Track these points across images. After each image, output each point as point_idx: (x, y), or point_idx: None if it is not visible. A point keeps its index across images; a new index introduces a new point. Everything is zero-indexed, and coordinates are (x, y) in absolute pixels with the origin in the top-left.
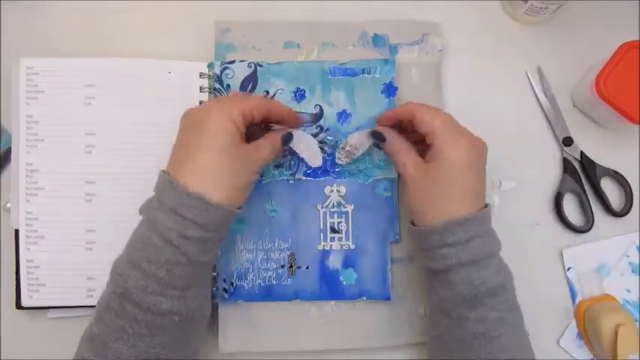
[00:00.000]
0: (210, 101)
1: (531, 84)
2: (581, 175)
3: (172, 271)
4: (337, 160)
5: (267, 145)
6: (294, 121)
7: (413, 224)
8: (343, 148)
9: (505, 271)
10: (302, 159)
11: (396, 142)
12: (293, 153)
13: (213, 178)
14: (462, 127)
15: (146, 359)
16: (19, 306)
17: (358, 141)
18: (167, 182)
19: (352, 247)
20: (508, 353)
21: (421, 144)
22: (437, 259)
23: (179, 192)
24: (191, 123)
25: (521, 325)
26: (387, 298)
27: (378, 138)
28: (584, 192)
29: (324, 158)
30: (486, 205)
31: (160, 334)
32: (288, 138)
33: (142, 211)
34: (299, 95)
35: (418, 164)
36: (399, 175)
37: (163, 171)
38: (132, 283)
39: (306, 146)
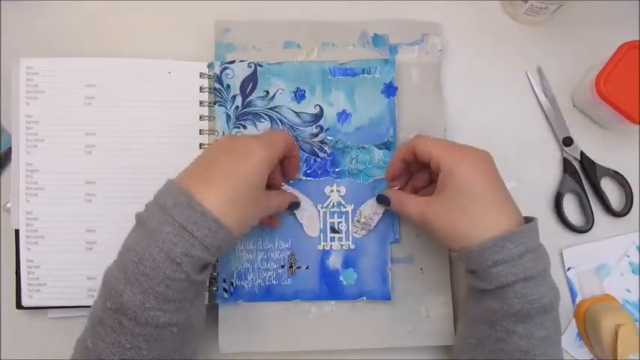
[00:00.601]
0: (258, 139)
1: (531, 84)
2: (581, 175)
3: (171, 286)
4: (354, 234)
5: (278, 201)
6: (294, 173)
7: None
8: (358, 221)
9: (556, 290)
10: (307, 155)
11: (397, 195)
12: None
13: (233, 208)
14: (460, 144)
15: None
16: (19, 306)
17: (372, 210)
18: (182, 196)
19: (352, 247)
20: None
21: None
22: (490, 279)
23: (194, 209)
24: (233, 150)
25: (560, 346)
26: (387, 298)
27: (383, 202)
28: (584, 192)
29: (324, 158)
30: (531, 220)
31: (158, 346)
32: (295, 206)
33: (140, 218)
34: (299, 95)
35: (426, 204)
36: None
37: (173, 181)
38: (128, 299)
39: (309, 217)
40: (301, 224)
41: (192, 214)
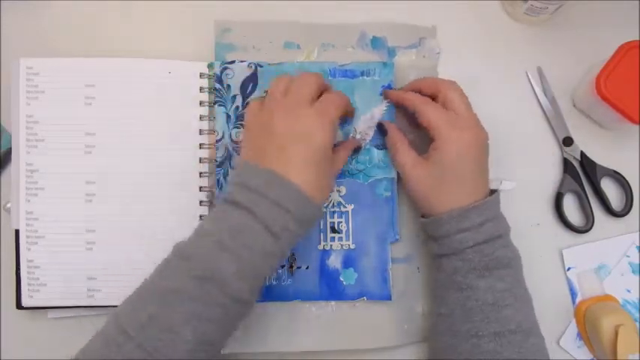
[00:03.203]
0: (316, 114)
1: (531, 84)
2: (581, 175)
3: (267, 261)
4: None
5: (344, 154)
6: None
7: (423, 217)
8: (354, 137)
9: (514, 251)
10: None
11: (396, 137)
12: None
13: (315, 180)
14: (461, 118)
15: (202, 341)
16: (19, 306)
17: (365, 125)
18: (267, 174)
19: (352, 246)
20: (515, 322)
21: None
22: (453, 244)
23: (284, 186)
24: (298, 132)
25: (527, 300)
26: (388, 298)
27: (381, 131)
28: (584, 192)
29: None
30: (494, 192)
31: (228, 321)
32: (358, 150)
33: (227, 199)
34: None
35: (415, 162)
36: (398, 175)
37: (247, 161)
38: (223, 266)
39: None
40: None
41: (283, 190)
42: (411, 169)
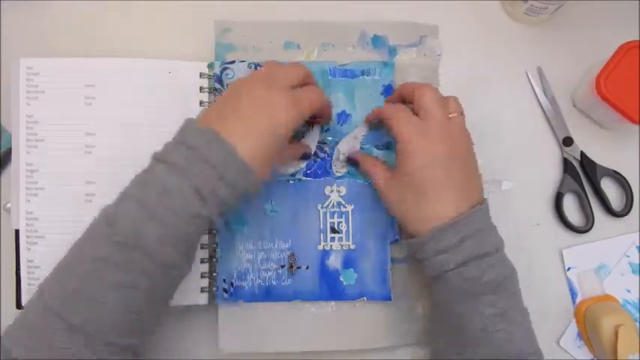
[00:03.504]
0: (290, 97)
1: (531, 84)
2: (581, 175)
3: (194, 224)
4: (335, 172)
5: (291, 153)
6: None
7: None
8: (338, 159)
9: (503, 268)
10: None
11: (368, 162)
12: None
13: (261, 154)
14: (433, 126)
15: (131, 311)
16: (19, 306)
17: (348, 146)
18: (211, 135)
19: (352, 247)
20: (513, 346)
21: None
22: (434, 267)
23: (226, 151)
24: (265, 102)
25: (525, 320)
26: (388, 298)
27: (353, 164)
28: (584, 192)
29: (324, 158)
30: (480, 203)
31: (160, 287)
32: (307, 157)
33: (162, 155)
34: None
35: (387, 176)
36: None
37: (196, 120)
38: (147, 233)
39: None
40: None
41: (224, 155)
42: (384, 184)
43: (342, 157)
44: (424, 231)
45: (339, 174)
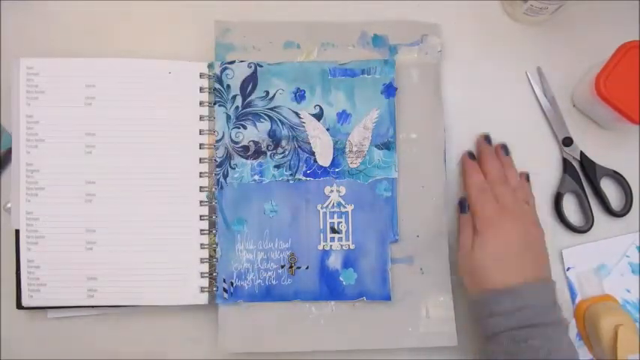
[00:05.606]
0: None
1: (531, 84)
2: (581, 175)
3: None
4: (351, 165)
5: None
6: None
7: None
8: (351, 151)
9: (557, 342)
10: (307, 155)
11: (463, 221)
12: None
13: None
14: (497, 208)
15: None
16: (19, 306)
17: (360, 136)
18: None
19: (352, 247)
20: None
21: None
22: (486, 327)
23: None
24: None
25: None
26: (387, 299)
27: (461, 207)
28: (584, 192)
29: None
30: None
31: None
32: None
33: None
34: (299, 95)
35: (469, 241)
36: (399, 176)
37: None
38: None
39: (322, 145)
40: (314, 154)
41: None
42: (467, 253)
43: (355, 149)
44: (478, 293)
45: (354, 165)
